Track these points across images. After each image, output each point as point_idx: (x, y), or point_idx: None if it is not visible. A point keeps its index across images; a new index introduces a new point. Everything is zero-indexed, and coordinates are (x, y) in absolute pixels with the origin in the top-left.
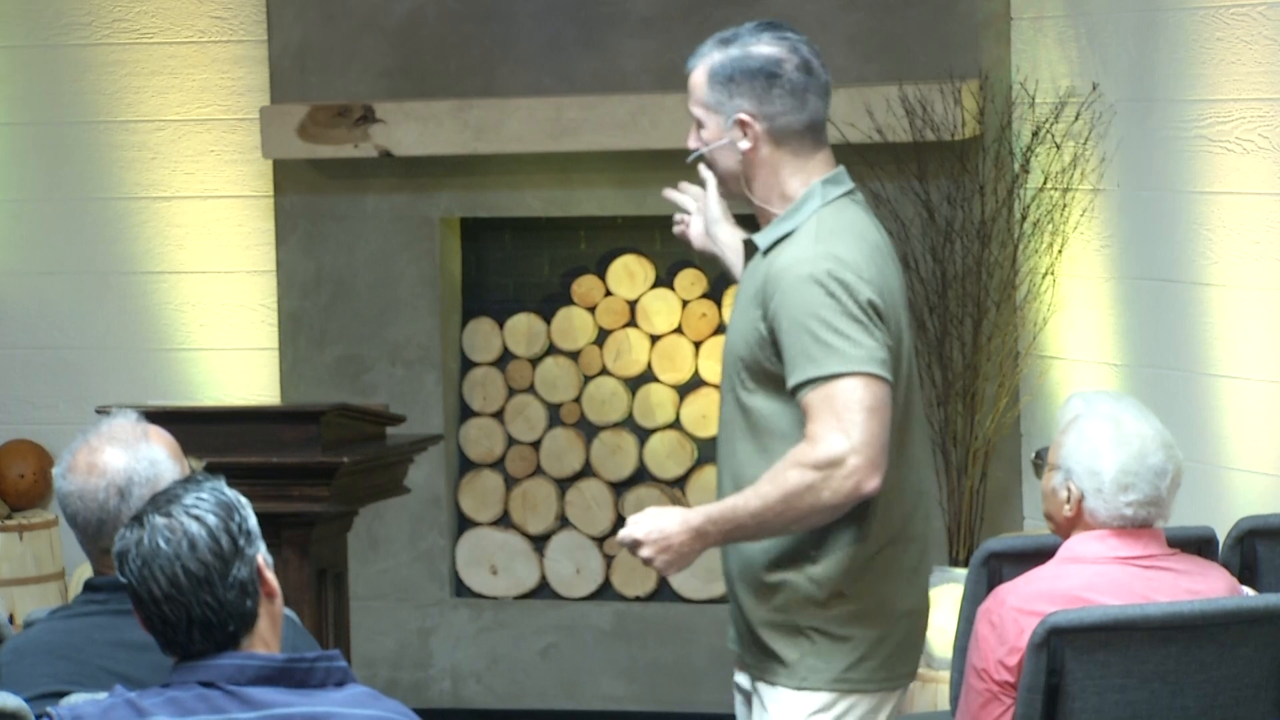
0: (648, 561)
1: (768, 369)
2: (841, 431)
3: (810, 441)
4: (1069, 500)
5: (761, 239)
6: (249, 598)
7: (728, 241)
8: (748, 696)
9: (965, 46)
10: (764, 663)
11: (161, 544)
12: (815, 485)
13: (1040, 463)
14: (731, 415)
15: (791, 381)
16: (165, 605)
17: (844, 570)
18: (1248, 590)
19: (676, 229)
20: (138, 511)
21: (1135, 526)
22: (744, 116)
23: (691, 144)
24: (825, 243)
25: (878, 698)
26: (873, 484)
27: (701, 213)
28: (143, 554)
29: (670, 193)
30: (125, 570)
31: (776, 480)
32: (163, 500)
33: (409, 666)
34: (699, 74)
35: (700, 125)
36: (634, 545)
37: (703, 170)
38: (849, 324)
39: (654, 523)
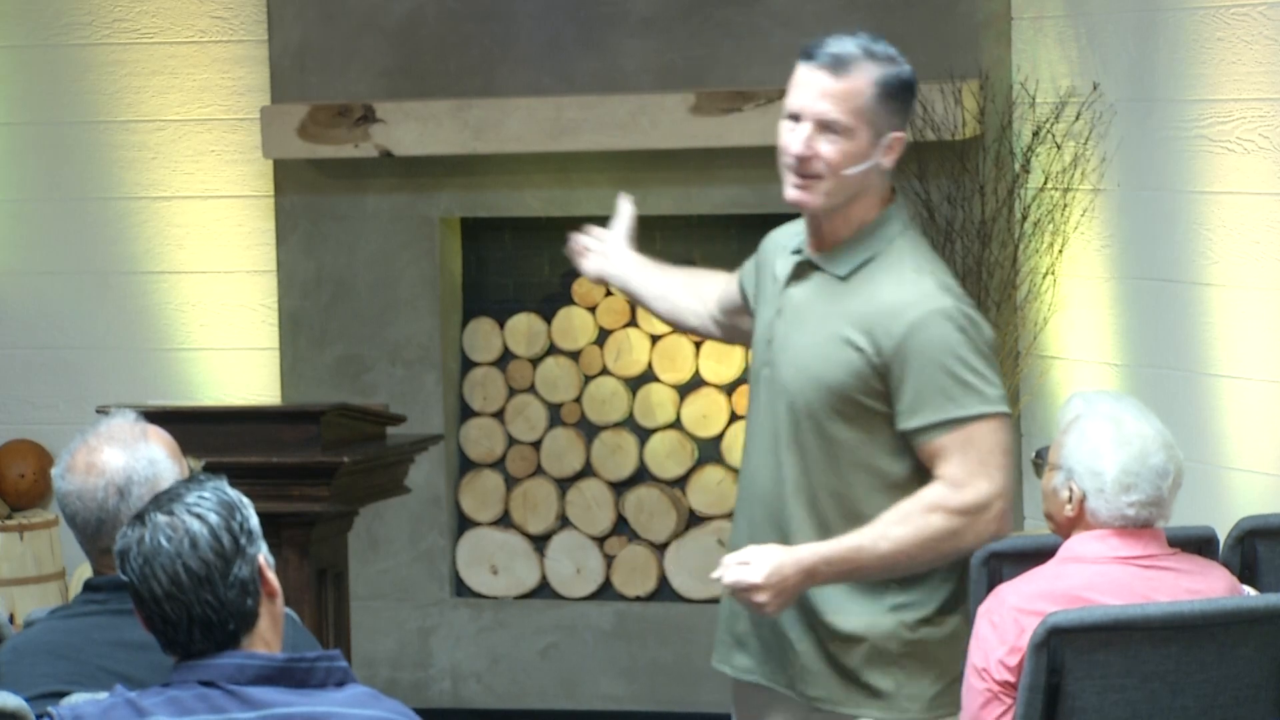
0: (759, 606)
1: (863, 403)
2: (987, 477)
3: (954, 486)
4: (1070, 500)
5: (836, 263)
6: (250, 597)
7: (624, 267)
8: None
9: (965, 46)
10: (851, 695)
11: (163, 542)
12: (960, 530)
13: (1040, 462)
14: (807, 440)
15: (921, 421)
16: (166, 604)
17: (938, 598)
18: (1248, 590)
19: (579, 262)
20: (139, 510)
21: (1137, 527)
22: (900, 136)
23: (798, 148)
24: (937, 276)
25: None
26: (1009, 526)
27: (601, 249)
28: (144, 552)
29: (578, 238)
30: (126, 569)
31: (913, 524)
32: (165, 499)
33: (409, 666)
34: (862, 82)
35: (840, 134)
36: (750, 589)
37: (623, 200)
38: (982, 362)
39: (769, 565)
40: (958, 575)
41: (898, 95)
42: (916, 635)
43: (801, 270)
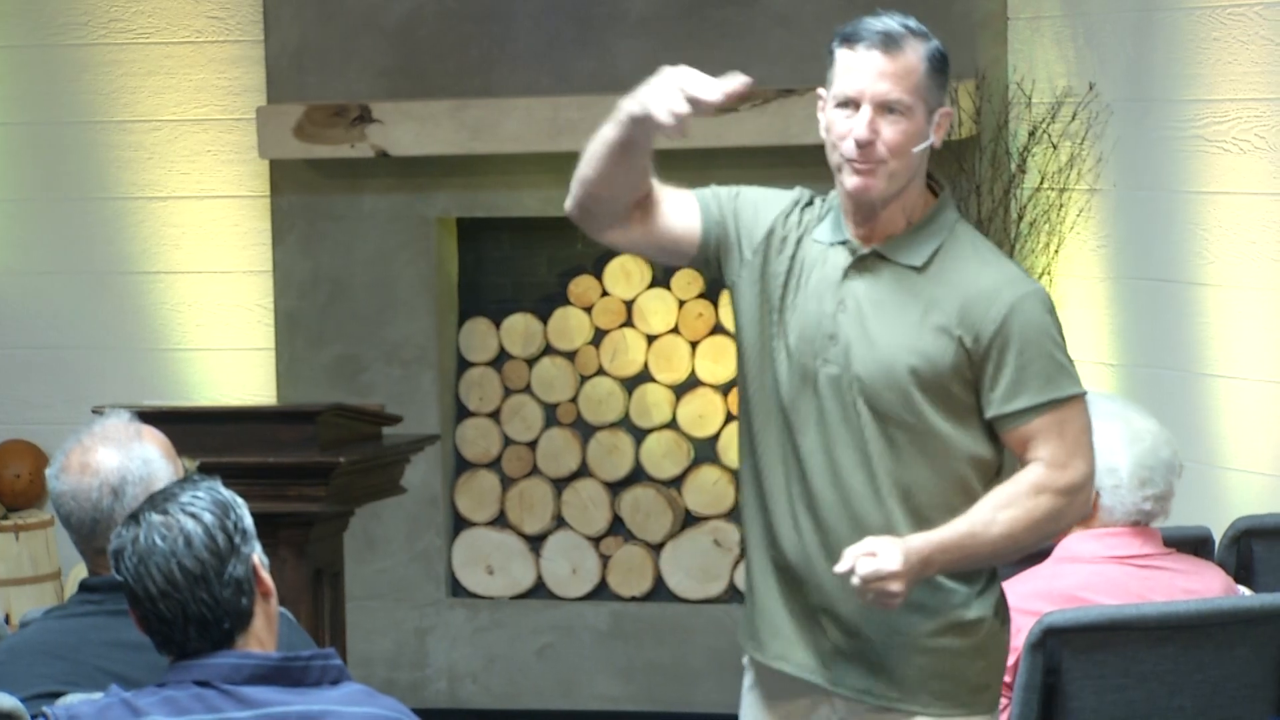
0: (891, 597)
1: (954, 392)
2: (1083, 457)
3: (1056, 467)
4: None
5: (907, 253)
6: (244, 596)
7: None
8: None
9: (962, 46)
10: (959, 696)
11: (158, 541)
12: (1064, 511)
13: None
14: (897, 436)
15: (1021, 404)
16: (161, 602)
17: (998, 590)
18: (1244, 590)
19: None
20: (134, 510)
21: (1147, 523)
22: (948, 111)
23: (862, 133)
24: (1012, 260)
25: None
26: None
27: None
28: (139, 551)
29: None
30: (121, 568)
31: (1021, 506)
32: (159, 499)
33: (405, 666)
34: (914, 58)
35: (901, 114)
36: (888, 578)
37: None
38: (1065, 344)
39: (900, 553)
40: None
41: (942, 69)
42: (982, 634)
43: (865, 263)
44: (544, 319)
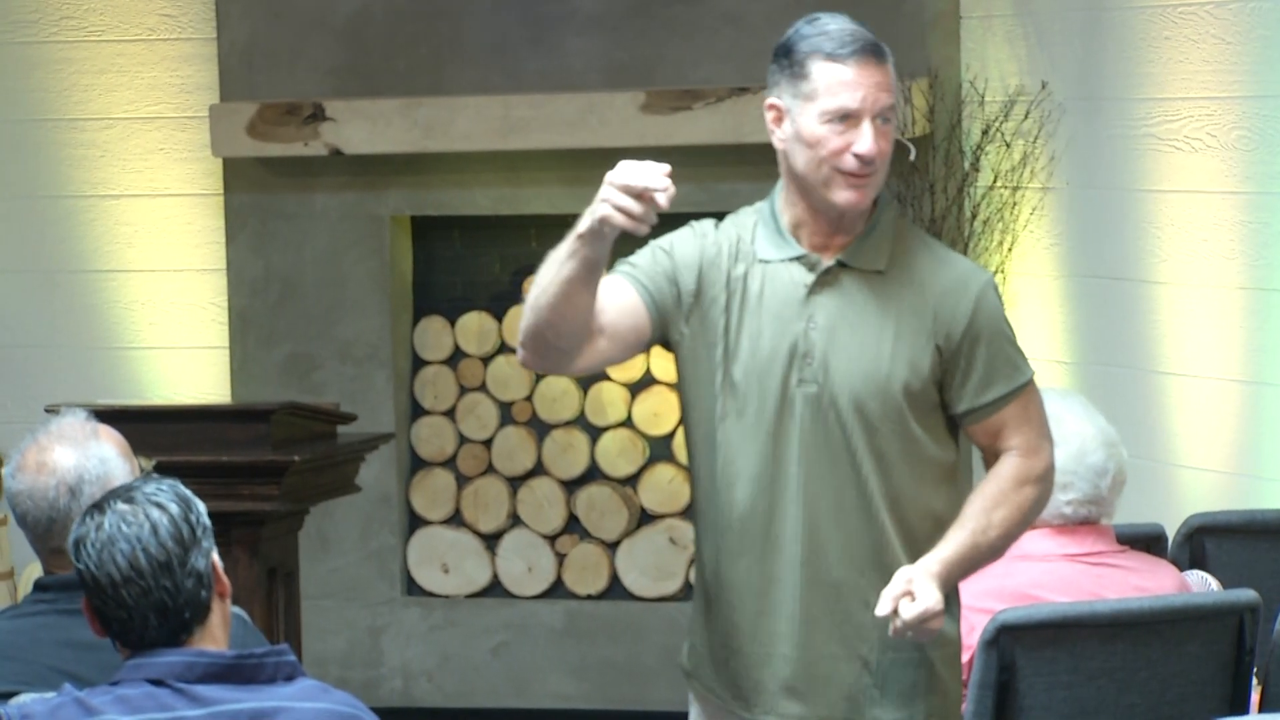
0: (934, 631)
1: (930, 393)
2: (1047, 437)
3: (1030, 454)
4: None
5: (867, 258)
6: (205, 589)
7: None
8: None
9: (914, 45)
10: (916, 710)
11: (123, 528)
12: (1044, 496)
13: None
14: (886, 447)
15: (993, 394)
16: (124, 589)
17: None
18: (1209, 577)
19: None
20: (96, 500)
21: (1075, 524)
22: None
23: (875, 148)
24: (951, 249)
25: None
26: None
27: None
28: (101, 539)
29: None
30: (81, 556)
31: (1011, 503)
32: (122, 490)
33: (360, 665)
34: (890, 65)
35: (890, 123)
36: (935, 616)
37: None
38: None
39: (929, 585)
40: None
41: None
42: (958, 644)
43: (829, 275)
44: (498, 317)
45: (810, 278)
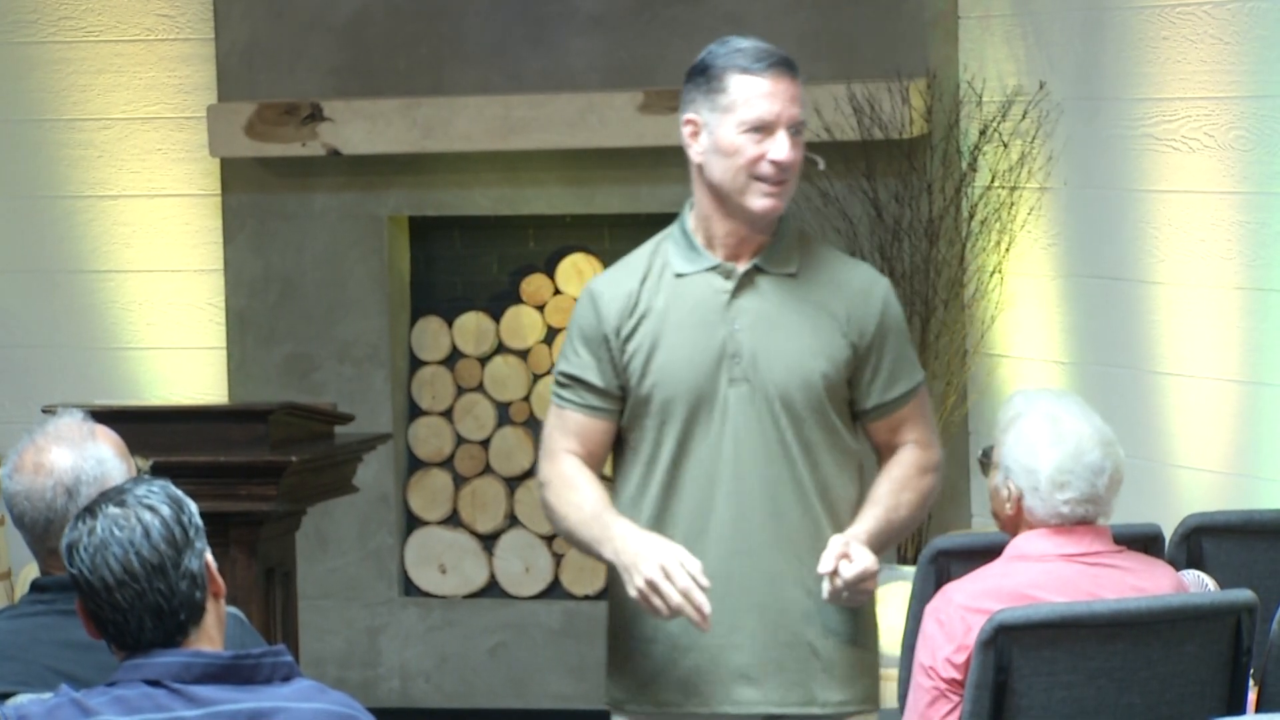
0: (868, 593)
1: (843, 390)
2: (937, 434)
3: (926, 447)
4: (1009, 499)
5: (780, 263)
6: (199, 590)
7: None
8: None
9: (913, 45)
10: (870, 692)
11: (116, 531)
12: (937, 487)
13: (987, 461)
14: (812, 437)
15: (899, 390)
16: (118, 592)
17: None
18: (1206, 578)
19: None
20: (87, 504)
21: (1073, 524)
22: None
23: (790, 156)
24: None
25: None
26: None
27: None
28: (94, 543)
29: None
30: (75, 560)
31: (915, 489)
32: (113, 494)
33: (357, 666)
34: (800, 82)
35: (801, 133)
36: (872, 576)
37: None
38: None
39: (869, 551)
40: None
41: None
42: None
43: (746, 279)
44: (496, 317)
45: (729, 284)
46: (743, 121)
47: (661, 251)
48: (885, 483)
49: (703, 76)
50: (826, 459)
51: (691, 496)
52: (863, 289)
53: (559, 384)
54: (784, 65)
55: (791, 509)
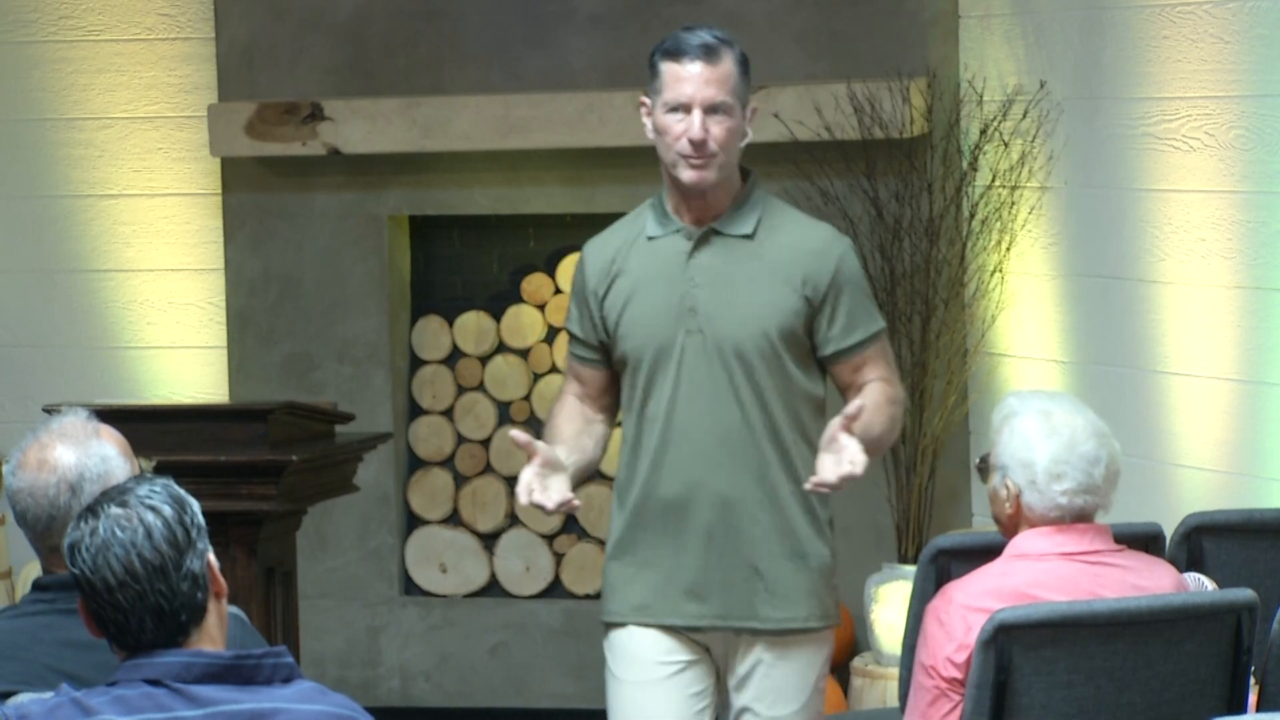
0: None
1: (800, 337)
2: (898, 374)
3: (890, 383)
4: (1008, 497)
5: (736, 225)
6: (200, 590)
7: (563, 479)
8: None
9: (913, 44)
10: (813, 611)
11: (117, 532)
12: (900, 419)
13: (985, 467)
14: (763, 383)
15: (856, 338)
16: (119, 593)
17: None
18: (1205, 579)
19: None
20: (90, 504)
21: (1073, 518)
22: (755, 107)
23: (697, 134)
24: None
25: None
26: None
27: (542, 474)
28: (96, 543)
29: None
30: (77, 560)
31: (885, 413)
32: (115, 493)
33: (358, 665)
34: (729, 64)
35: (725, 113)
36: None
37: (518, 438)
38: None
39: (851, 440)
40: None
41: (747, 71)
42: (832, 560)
43: (703, 240)
44: (496, 317)
45: (688, 245)
46: (666, 103)
47: (642, 217)
48: (860, 399)
49: (649, 64)
50: (777, 402)
51: (654, 434)
52: (817, 248)
53: (568, 335)
54: (704, 52)
55: (741, 447)
